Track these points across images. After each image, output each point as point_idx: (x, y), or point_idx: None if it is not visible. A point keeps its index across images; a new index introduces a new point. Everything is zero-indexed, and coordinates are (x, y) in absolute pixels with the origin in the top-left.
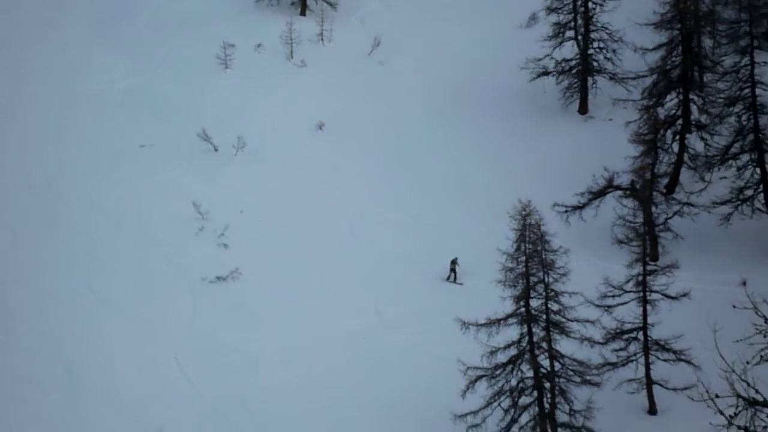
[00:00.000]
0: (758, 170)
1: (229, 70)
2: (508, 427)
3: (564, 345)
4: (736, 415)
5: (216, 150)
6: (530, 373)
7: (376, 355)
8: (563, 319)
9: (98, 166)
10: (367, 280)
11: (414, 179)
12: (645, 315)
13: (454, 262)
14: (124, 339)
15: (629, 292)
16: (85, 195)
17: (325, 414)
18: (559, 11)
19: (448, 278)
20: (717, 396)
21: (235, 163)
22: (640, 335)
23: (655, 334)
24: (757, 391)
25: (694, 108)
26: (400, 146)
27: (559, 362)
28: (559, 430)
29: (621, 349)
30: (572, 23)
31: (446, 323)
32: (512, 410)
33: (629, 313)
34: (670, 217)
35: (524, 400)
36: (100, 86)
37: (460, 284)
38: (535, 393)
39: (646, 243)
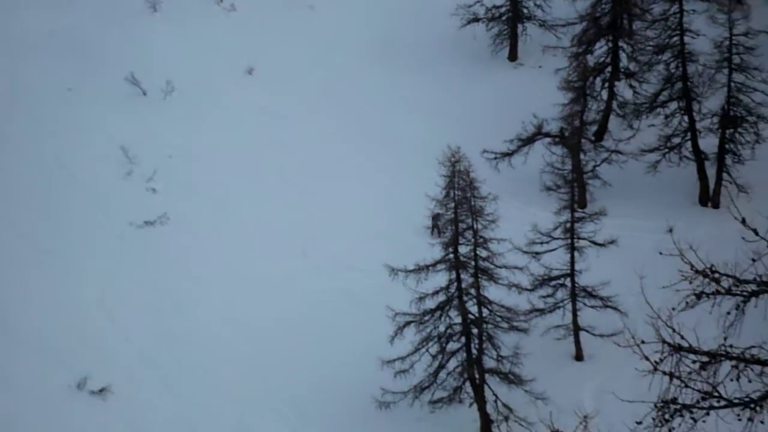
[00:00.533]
0: (686, 118)
1: (157, 13)
2: (436, 372)
3: (492, 291)
4: (661, 360)
5: (144, 94)
6: (458, 319)
7: (304, 300)
8: (491, 266)
9: (23, 108)
10: (296, 226)
11: (344, 124)
12: (572, 262)
13: (436, 218)
14: (48, 282)
15: (557, 239)
16: (5, 136)
17: (252, 357)
18: None
19: (432, 233)
20: (643, 342)
21: (164, 107)
22: (568, 282)
23: (582, 280)
24: (682, 337)
25: (623, 56)
26: (330, 91)
27: (487, 308)
28: (487, 375)
29: (548, 296)
30: None
31: (375, 269)
32: (440, 356)
33: (557, 259)
34: (599, 165)
35: (452, 345)
36: (24, 29)
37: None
38: (463, 339)
39: (575, 190)
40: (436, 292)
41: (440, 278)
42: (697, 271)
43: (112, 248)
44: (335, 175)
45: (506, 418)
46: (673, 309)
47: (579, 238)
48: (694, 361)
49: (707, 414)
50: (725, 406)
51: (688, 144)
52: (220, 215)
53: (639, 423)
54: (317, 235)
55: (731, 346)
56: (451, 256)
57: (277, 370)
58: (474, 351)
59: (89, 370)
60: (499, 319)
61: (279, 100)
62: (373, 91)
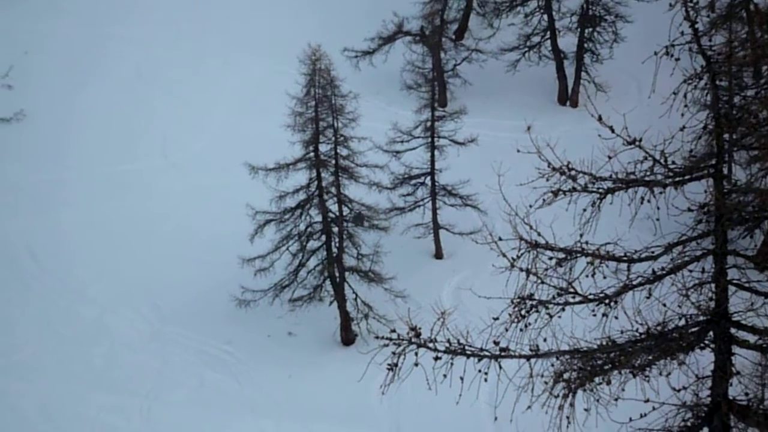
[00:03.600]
0: (546, 17)
1: None
2: (296, 270)
3: (353, 190)
4: (518, 257)
5: None
6: (319, 218)
7: (163, 197)
8: (352, 164)
9: None
10: (153, 122)
11: (198, 17)
12: (433, 160)
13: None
14: None
15: (418, 137)
16: None
17: (109, 257)
18: None
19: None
20: (500, 239)
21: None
22: (428, 180)
23: (442, 179)
24: (539, 234)
25: None
26: None
27: (348, 207)
28: (347, 273)
29: (409, 195)
30: None
31: (235, 168)
32: (300, 254)
33: (417, 158)
34: (459, 64)
35: (312, 244)
36: None
37: None
38: (324, 237)
39: (435, 89)
40: (297, 191)
41: (301, 177)
42: (554, 169)
43: None
44: (194, 71)
45: (366, 316)
46: (531, 206)
47: (439, 137)
48: (550, 258)
49: (563, 309)
50: (580, 302)
51: (548, 43)
52: (77, 113)
53: (496, 319)
54: (177, 133)
55: (587, 242)
56: (312, 154)
57: (135, 270)
58: (334, 249)
59: None
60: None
61: None
62: None
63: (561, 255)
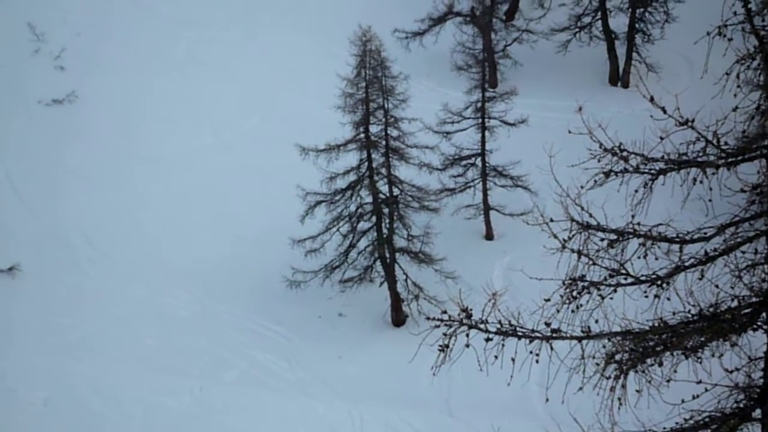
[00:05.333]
0: None
1: None
2: (347, 252)
3: (403, 171)
4: (569, 238)
5: None
6: (369, 199)
7: (214, 177)
8: (402, 145)
9: None
10: (204, 102)
11: (253, 2)
12: (483, 141)
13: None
14: None
15: (468, 118)
16: None
17: (160, 236)
18: None
19: None
20: (552, 220)
21: None
22: (478, 161)
23: (492, 160)
24: (590, 215)
25: None
26: None
27: (398, 188)
28: (397, 254)
29: (459, 176)
30: None
31: (286, 148)
32: (351, 235)
33: (468, 139)
34: (510, 44)
35: (363, 225)
36: None
37: None
38: (374, 218)
39: (486, 70)
40: (347, 172)
41: (351, 158)
42: (605, 150)
43: (20, 126)
44: (245, 52)
45: (416, 297)
46: (582, 187)
47: (490, 118)
48: (602, 239)
49: (614, 291)
50: (632, 284)
51: (599, 23)
52: (128, 94)
53: (547, 300)
54: (227, 113)
55: (639, 223)
56: (362, 135)
57: (187, 251)
58: (385, 230)
59: None
60: (410, 198)
61: None
62: None
63: (613, 236)
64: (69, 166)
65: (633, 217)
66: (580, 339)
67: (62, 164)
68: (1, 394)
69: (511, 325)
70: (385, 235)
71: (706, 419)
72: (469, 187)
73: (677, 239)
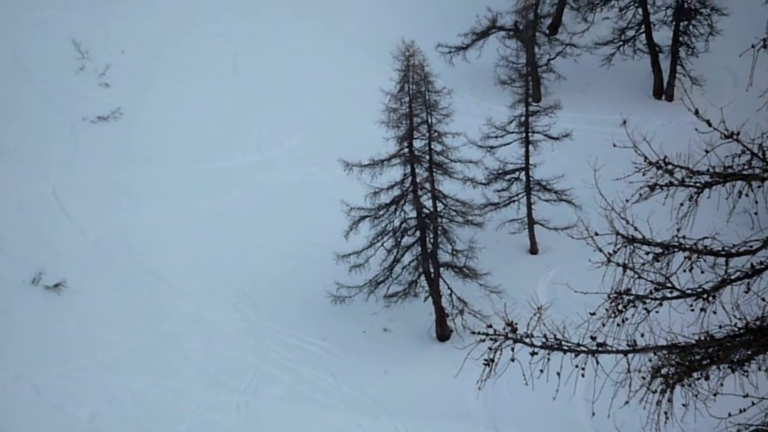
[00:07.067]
0: (640, 10)
1: None
2: (391, 266)
3: (447, 185)
4: (615, 252)
5: None
6: (413, 214)
7: (259, 194)
8: (446, 160)
9: None
10: (249, 118)
11: (298, 15)
12: (527, 155)
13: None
14: (1, 177)
15: (512, 132)
16: None
17: (206, 252)
18: None
19: None
20: (596, 234)
21: (117, 1)
22: (522, 176)
23: (536, 174)
24: (635, 229)
25: None
26: None
27: (442, 202)
28: (442, 269)
29: (503, 190)
30: None
31: (329, 163)
32: (395, 250)
33: (512, 153)
34: (553, 58)
35: (407, 240)
36: None
37: None
38: (418, 233)
39: (529, 84)
40: (391, 187)
41: (395, 173)
42: (650, 163)
43: (66, 143)
44: (289, 68)
45: (461, 312)
46: (627, 201)
47: (533, 132)
48: (647, 253)
49: (660, 304)
50: (678, 297)
51: (642, 37)
52: (173, 110)
53: (593, 314)
54: (272, 129)
55: (684, 237)
56: (406, 150)
57: (232, 266)
58: (429, 245)
59: (44, 265)
60: (453, 213)
61: None
62: None
63: (658, 250)
64: (115, 183)
65: (678, 230)
66: (625, 353)
67: (108, 181)
68: (47, 411)
69: (556, 339)
70: (429, 250)
71: None
72: (513, 201)
73: (723, 252)
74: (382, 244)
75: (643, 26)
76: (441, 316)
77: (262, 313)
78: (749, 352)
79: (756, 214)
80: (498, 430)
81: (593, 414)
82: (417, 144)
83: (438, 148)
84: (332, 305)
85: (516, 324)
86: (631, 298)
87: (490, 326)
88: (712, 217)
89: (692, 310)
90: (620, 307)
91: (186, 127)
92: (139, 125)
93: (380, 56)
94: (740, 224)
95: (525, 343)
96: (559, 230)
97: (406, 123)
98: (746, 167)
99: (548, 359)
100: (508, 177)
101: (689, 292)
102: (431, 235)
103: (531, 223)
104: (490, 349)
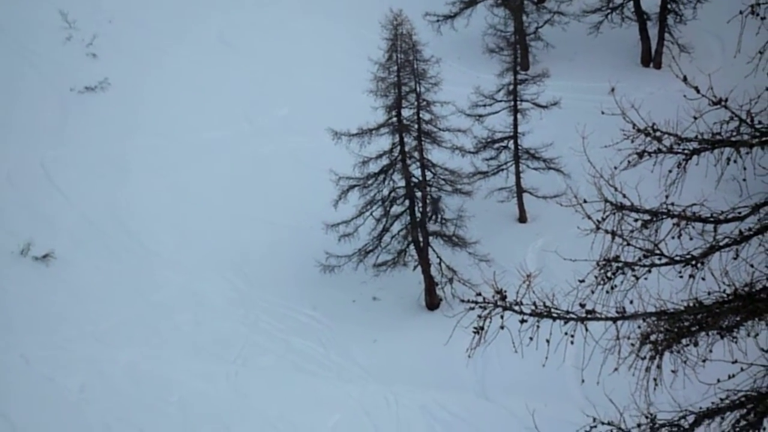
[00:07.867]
0: None
1: None
2: (380, 236)
3: (435, 154)
4: (603, 219)
5: None
6: (402, 183)
7: (248, 164)
8: (435, 129)
9: None
10: (236, 87)
11: None
12: (515, 124)
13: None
14: None
15: (500, 101)
16: None
17: (195, 222)
18: None
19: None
20: (585, 201)
21: None
22: (511, 144)
23: (525, 142)
24: (624, 196)
25: None
26: None
27: (431, 171)
28: (431, 238)
29: (492, 158)
30: None
31: (318, 133)
32: (384, 219)
33: (500, 122)
34: (541, 26)
35: (396, 209)
36: None
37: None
38: (407, 202)
39: (517, 52)
40: (380, 156)
41: (384, 142)
42: (638, 130)
43: (54, 114)
44: (276, 37)
45: (450, 280)
46: (615, 168)
47: (522, 100)
48: (636, 220)
49: (649, 271)
50: (667, 264)
51: (630, 4)
52: (161, 81)
53: (581, 281)
54: (261, 99)
55: (673, 204)
56: (395, 119)
57: (222, 236)
58: (418, 214)
59: (32, 235)
60: (442, 182)
61: None
62: None
63: (647, 217)
64: (103, 154)
65: (667, 197)
66: (614, 320)
67: (96, 151)
68: (37, 382)
69: (545, 306)
70: (418, 219)
71: (742, 399)
72: (502, 169)
73: (711, 219)
74: (371, 214)
75: None
76: (430, 284)
77: (252, 283)
78: (738, 319)
79: (744, 180)
80: (488, 398)
81: (582, 381)
82: (405, 113)
83: (426, 116)
84: (322, 275)
85: (505, 292)
86: (620, 265)
87: (479, 294)
88: (700, 183)
89: (681, 277)
90: (609, 274)
91: (174, 98)
92: (127, 96)
93: (368, 25)
94: (728, 191)
95: (514, 310)
96: (547, 198)
97: (394, 92)
98: (734, 134)
99: (537, 327)
100: (496, 145)
101: (678, 258)
102: (420, 204)
103: (520, 191)
104: (479, 317)
